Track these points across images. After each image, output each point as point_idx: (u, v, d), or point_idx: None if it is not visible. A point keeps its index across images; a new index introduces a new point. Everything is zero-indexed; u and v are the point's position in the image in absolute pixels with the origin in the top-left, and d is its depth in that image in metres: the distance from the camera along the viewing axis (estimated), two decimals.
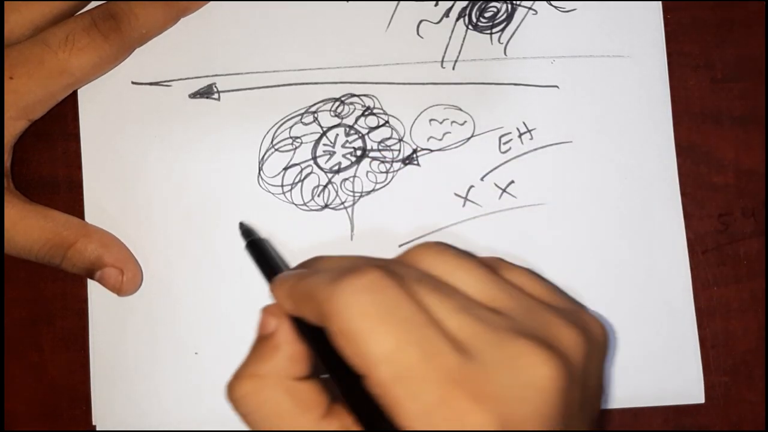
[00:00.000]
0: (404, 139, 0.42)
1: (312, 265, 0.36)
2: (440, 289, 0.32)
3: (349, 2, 0.43)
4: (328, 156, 0.42)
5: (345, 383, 0.31)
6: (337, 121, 0.42)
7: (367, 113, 0.42)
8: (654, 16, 0.43)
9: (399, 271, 0.32)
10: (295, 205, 0.42)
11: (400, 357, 0.29)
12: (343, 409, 0.32)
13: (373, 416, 0.30)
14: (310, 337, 0.33)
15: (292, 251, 0.42)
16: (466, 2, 0.43)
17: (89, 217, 0.42)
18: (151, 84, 0.42)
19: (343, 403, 0.32)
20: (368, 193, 0.42)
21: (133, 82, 0.42)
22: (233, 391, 0.33)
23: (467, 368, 0.30)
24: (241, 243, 0.40)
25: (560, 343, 0.32)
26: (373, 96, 0.42)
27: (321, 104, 0.42)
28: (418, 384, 0.29)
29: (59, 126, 0.43)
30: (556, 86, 0.43)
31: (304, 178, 0.42)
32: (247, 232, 0.40)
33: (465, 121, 0.42)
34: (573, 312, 0.34)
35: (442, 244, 0.35)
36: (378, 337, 0.29)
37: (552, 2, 0.43)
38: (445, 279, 0.33)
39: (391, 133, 0.42)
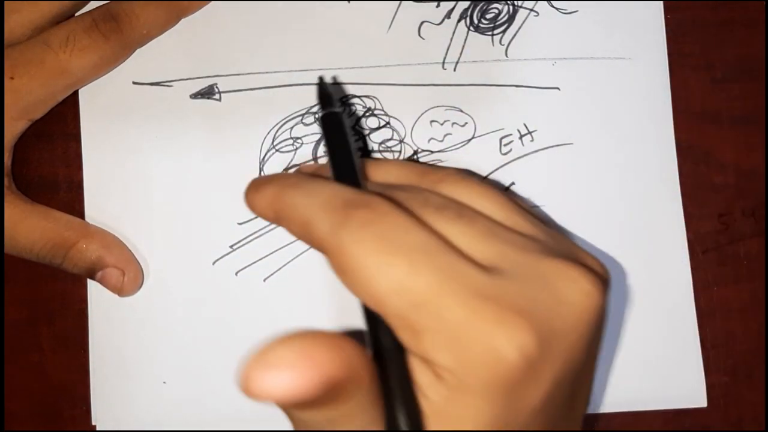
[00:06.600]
0: (405, 141, 0.42)
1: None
2: (463, 215, 0.30)
3: (351, 3, 0.43)
4: None
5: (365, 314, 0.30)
6: None
7: (368, 114, 0.42)
8: (655, 18, 0.43)
9: (417, 199, 0.31)
10: None
11: (413, 283, 0.27)
12: None
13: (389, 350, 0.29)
14: None
15: (293, 252, 0.42)
16: (468, 3, 0.43)
17: (89, 217, 0.42)
18: (152, 84, 0.42)
19: None
20: None
21: (134, 83, 0.42)
22: None
23: (496, 285, 0.28)
24: (241, 244, 0.41)
25: (590, 266, 0.31)
26: (374, 97, 0.42)
27: None
28: (438, 305, 0.27)
29: (59, 126, 0.43)
30: (558, 88, 0.43)
31: None
32: (326, 97, 0.37)
33: (466, 123, 0.42)
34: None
35: (464, 171, 0.33)
36: (385, 270, 0.28)
37: (553, 4, 0.43)
38: (469, 205, 0.32)
39: (392, 135, 0.42)
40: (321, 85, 0.37)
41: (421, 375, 0.28)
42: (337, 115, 0.35)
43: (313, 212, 0.30)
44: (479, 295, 0.28)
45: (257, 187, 0.33)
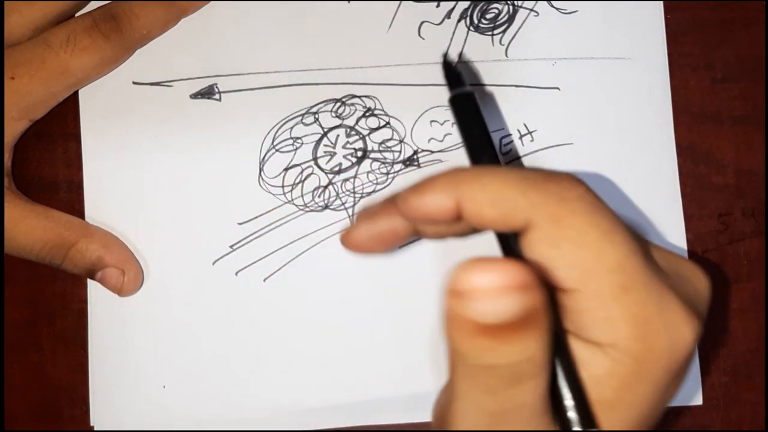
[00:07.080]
0: (405, 141, 0.42)
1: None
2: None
3: (351, 3, 0.43)
4: (329, 157, 0.42)
5: None
6: (338, 121, 0.42)
7: (368, 114, 0.42)
8: (655, 18, 0.43)
9: None
10: (296, 205, 0.42)
11: (630, 265, 0.28)
12: None
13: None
14: None
15: (293, 252, 0.42)
16: (468, 3, 0.43)
17: (89, 217, 0.42)
18: (152, 84, 0.42)
19: None
20: (369, 194, 0.42)
21: (134, 83, 0.42)
22: None
23: (664, 275, 0.29)
24: (241, 244, 0.41)
25: None
26: (374, 97, 0.42)
27: (322, 105, 0.42)
28: (643, 291, 0.28)
29: (59, 126, 0.43)
30: (557, 88, 0.43)
31: (305, 178, 0.42)
32: (456, 77, 0.34)
33: None
34: None
35: None
36: (609, 247, 0.28)
37: (553, 4, 0.43)
38: None
39: (392, 134, 0.42)
40: (447, 64, 0.35)
41: (595, 366, 0.28)
42: (471, 95, 0.33)
43: (511, 189, 0.28)
44: (664, 284, 0.28)
45: (422, 187, 0.30)
